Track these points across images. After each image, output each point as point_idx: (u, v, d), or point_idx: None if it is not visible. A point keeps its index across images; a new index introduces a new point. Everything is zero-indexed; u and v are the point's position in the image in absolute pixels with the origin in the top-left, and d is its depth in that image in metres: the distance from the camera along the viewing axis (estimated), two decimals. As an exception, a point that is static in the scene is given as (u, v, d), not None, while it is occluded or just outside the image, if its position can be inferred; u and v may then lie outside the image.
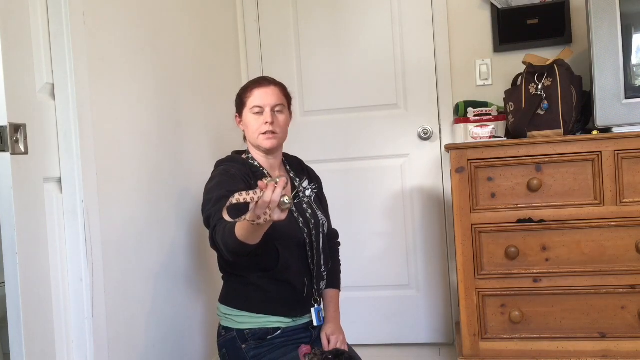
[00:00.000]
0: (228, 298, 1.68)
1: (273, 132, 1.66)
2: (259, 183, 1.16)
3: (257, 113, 1.67)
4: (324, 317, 1.73)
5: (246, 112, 1.70)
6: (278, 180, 1.17)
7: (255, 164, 1.71)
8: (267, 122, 1.66)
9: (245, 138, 1.78)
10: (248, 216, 1.19)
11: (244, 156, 1.74)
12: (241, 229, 1.32)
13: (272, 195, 1.15)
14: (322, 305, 1.75)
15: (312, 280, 1.69)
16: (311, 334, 1.70)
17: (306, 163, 2.75)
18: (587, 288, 1.87)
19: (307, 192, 1.79)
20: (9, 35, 1.23)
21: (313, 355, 1.51)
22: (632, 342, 1.85)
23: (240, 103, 1.73)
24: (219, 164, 1.71)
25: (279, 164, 1.78)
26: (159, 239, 1.79)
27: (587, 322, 1.88)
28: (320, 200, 1.86)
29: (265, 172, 1.70)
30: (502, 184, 1.91)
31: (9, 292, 1.23)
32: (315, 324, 1.70)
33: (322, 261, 1.73)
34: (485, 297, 1.93)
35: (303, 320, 1.69)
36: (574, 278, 1.87)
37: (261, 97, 1.68)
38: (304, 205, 1.73)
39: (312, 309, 1.70)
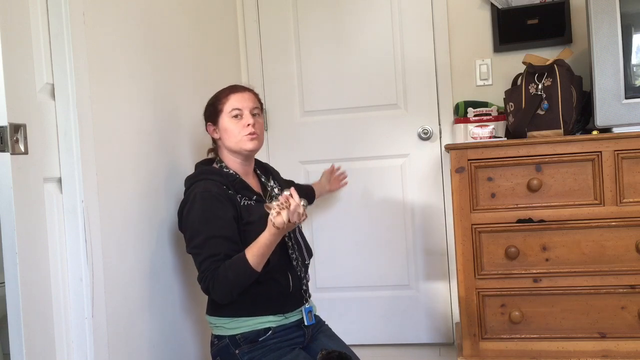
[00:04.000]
0: (215, 309, 1.67)
1: (255, 133, 1.70)
2: (282, 197, 1.47)
3: (236, 116, 1.70)
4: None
5: (224, 118, 1.71)
6: (287, 192, 1.48)
7: (231, 172, 1.71)
8: (249, 124, 1.69)
9: (214, 149, 1.81)
10: (278, 223, 1.47)
11: (216, 165, 1.74)
12: (257, 255, 1.51)
13: (296, 201, 1.46)
14: (312, 305, 1.76)
15: (297, 273, 1.69)
16: (304, 331, 1.70)
17: (306, 163, 2.76)
18: (587, 288, 1.87)
19: (276, 190, 1.83)
20: (9, 35, 1.23)
21: (320, 357, 1.53)
22: (632, 342, 1.85)
23: (215, 111, 1.73)
24: (193, 180, 1.68)
25: (252, 170, 1.81)
26: (159, 238, 1.79)
27: (587, 322, 1.88)
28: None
29: (243, 179, 1.71)
30: (502, 184, 1.91)
31: (9, 292, 1.23)
32: (306, 323, 1.69)
33: (304, 253, 1.76)
34: (485, 297, 1.93)
35: (294, 317, 1.69)
36: (574, 278, 1.87)
37: (239, 100, 1.72)
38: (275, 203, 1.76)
39: (303, 309, 1.70)
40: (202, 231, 1.57)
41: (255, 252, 1.51)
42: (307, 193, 2.25)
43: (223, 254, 1.55)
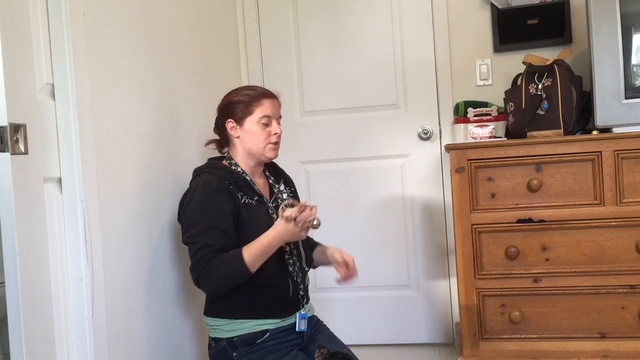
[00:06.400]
0: (212, 310, 1.66)
1: (278, 142, 1.73)
2: (302, 203, 1.54)
3: (265, 124, 1.69)
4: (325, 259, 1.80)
5: (252, 121, 1.69)
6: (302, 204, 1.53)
7: (238, 169, 1.71)
8: (276, 133, 1.71)
9: (222, 143, 1.78)
10: (287, 215, 1.51)
11: (225, 162, 1.74)
12: (254, 254, 1.52)
13: (314, 213, 1.53)
14: (307, 312, 1.74)
15: (295, 279, 1.68)
16: (302, 333, 1.69)
17: (306, 163, 2.75)
18: (587, 288, 1.87)
19: (284, 196, 1.82)
20: (9, 35, 1.23)
21: (319, 355, 1.52)
22: (632, 342, 1.85)
23: (245, 111, 1.70)
24: (198, 171, 1.70)
25: (260, 170, 1.80)
26: (158, 238, 1.79)
27: (587, 322, 1.88)
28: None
29: (247, 178, 1.70)
30: (502, 184, 1.91)
31: (9, 292, 1.24)
32: (297, 329, 1.67)
33: (303, 262, 1.74)
34: (485, 297, 1.93)
35: (292, 320, 1.68)
36: (574, 278, 1.87)
37: (270, 107, 1.71)
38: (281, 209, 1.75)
39: (297, 314, 1.69)
40: (201, 221, 1.57)
41: (254, 251, 1.51)
42: (310, 244, 1.89)
43: (219, 245, 1.54)
